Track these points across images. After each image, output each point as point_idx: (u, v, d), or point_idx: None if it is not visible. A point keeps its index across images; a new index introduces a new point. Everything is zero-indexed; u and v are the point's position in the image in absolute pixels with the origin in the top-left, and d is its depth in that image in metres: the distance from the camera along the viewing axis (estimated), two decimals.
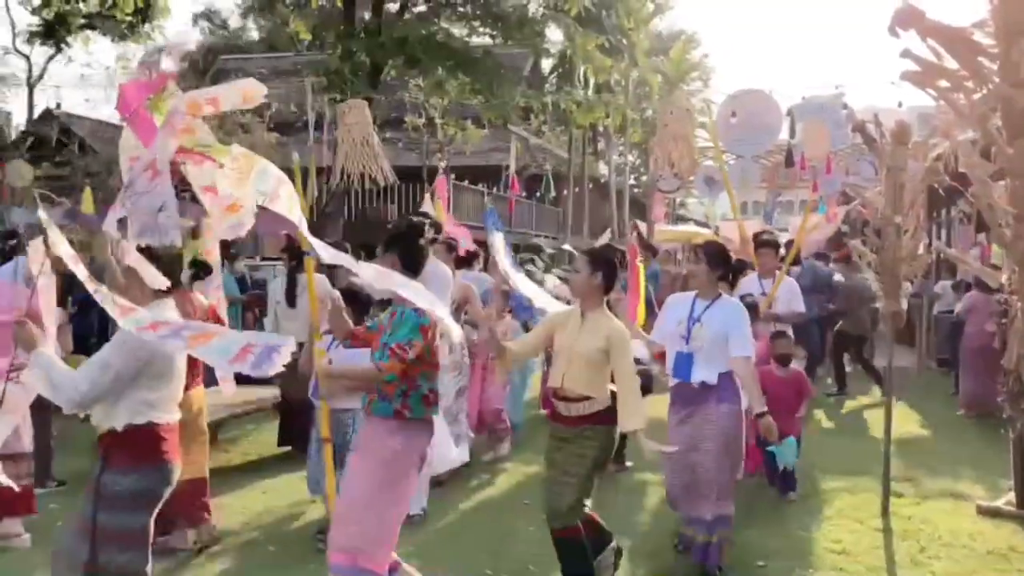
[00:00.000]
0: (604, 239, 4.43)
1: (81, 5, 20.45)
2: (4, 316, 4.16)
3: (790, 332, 6.51)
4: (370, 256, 5.99)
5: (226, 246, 13.02)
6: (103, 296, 3.12)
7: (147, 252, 3.42)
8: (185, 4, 47.14)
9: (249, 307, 10.79)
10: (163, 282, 3.32)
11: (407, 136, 21.33)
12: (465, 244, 7.98)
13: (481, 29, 18.07)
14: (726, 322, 4.57)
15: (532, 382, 8.40)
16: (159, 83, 3.81)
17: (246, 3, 33.28)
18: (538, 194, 23.28)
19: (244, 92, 3.87)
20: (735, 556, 4.88)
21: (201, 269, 4.96)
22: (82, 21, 20.42)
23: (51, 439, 6.16)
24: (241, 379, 9.19)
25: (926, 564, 4.91)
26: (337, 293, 4.72)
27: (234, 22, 38.39)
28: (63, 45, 22.16)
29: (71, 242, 3.45)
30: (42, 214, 3.22)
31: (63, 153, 21.53)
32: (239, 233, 4.13)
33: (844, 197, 13.38)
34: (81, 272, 3.20)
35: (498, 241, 4.83)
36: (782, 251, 7.95)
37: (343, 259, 3.64)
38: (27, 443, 5.11)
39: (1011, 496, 5.91)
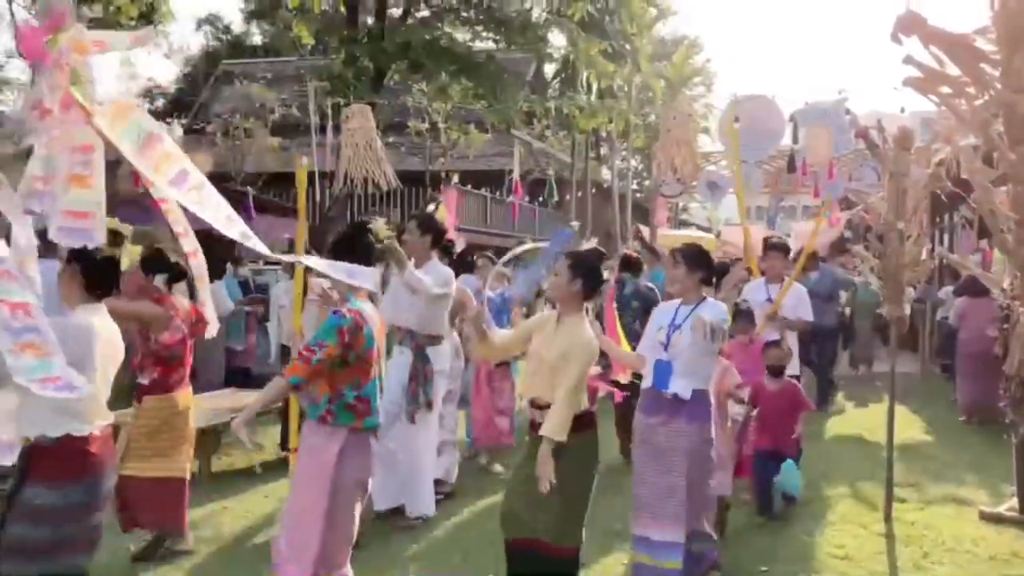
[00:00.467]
0: (591, 243, 4.39)
1: (84, 9, 20.49)
2: None
3: (790, 341, 6.21)
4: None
5: (230, 250, 13.09)
6: None
7: (81, 256, 3.35)
8: (188, 8, 47.22)
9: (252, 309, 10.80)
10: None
11: (410, 141, 21.38)
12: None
13: (484, 34, 18.12)
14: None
15: None
16: (57, 22, 3.46)
17: (249, 8, 33.36)
18: (541, 199, 23.29)
19: (133, 36, 3.63)
20: (738, 561, 4.89)
21: (175, 271, 4.98)
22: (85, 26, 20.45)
23: None
24: (243, 383, 9.22)
25: (929, 569, 4.91)
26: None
27: (237, 27, 38.48)
28: None
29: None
30: None
31: None
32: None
33: (847, 202, 13.39)
34: None
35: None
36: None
37: (260, 247, 3.46)
38: None
39: (1014, 502, 5.90)
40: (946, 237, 15.91)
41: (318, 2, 14.99)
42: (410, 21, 16.06)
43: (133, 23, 19.91)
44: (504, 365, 6.99)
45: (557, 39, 20.23)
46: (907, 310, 6.11)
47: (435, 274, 5.52)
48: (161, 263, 4.98)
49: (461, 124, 20.56)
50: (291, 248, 6.18)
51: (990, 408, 8.32)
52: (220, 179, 14.04)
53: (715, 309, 4.31)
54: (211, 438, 6.86)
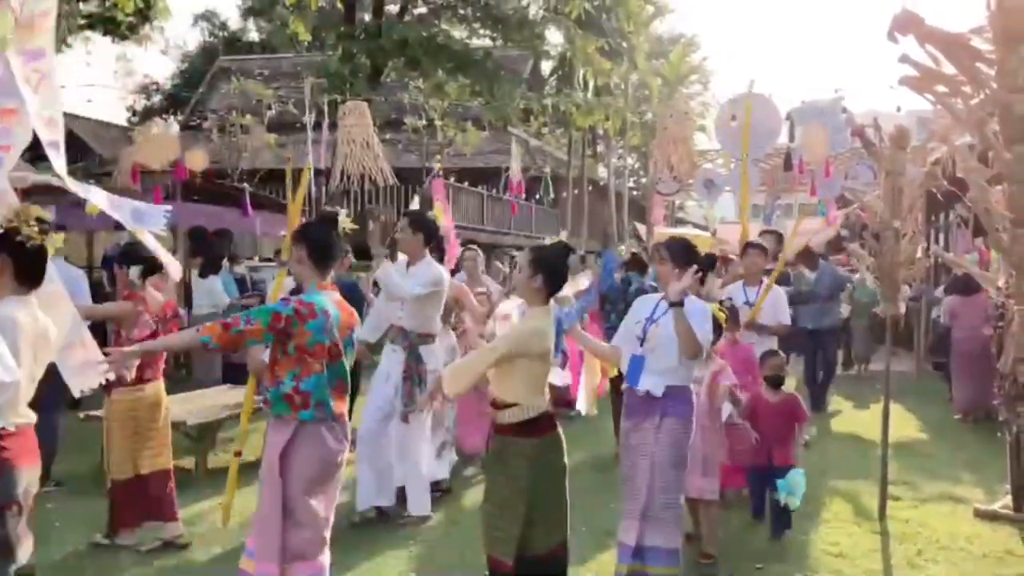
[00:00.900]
0: (561, 236, 4.31)
1: (81, 5, 20.42)
2: None
3: (776, 348, 6.04)
4: (366, 257, 6.02)
5: (226, 247, 13.07)
6: None
7: (9, 245, 3.30)
8: (185, 5, 47.09)
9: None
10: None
11: (407, 138, 21.36)
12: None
13: (481, 31, 18.13)
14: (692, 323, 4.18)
15: None
16: None
17: (246, 4, 33.31)
18: (537, 196, 23.30)
19: None
20: (733, 559, 4.90)
21: (150, 264, 4.99)
22: (82, 21, 20.37)
23: (55, 441, 6.13)
24: (239, 380, 9.21)
25: (923, 567, 4.92)
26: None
27: (234, 23, 38.44)
28: (63, 45, 22.15)
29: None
30: None
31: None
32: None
33: (843, 201, 13.41)
34: None
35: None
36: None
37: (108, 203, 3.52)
38: None
39: (1008, 499, 5.92)
40: (942, 236, 15.94)
41: None
42: (407, 18, 16.06)
43: (130, 19, 19.88)
44: None
45: (554, 36, 20.27)
46: (902, 309, 6.09)
47: (426, 272, 5.48)
48: (135, 256, 4.98)
49: (458, 121, 20.54)
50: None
51: (985, 407, 8.36)
52: (217, 176, 14.07)
53: (698, 307, 4.20)
54: (207, 435, 6.86)
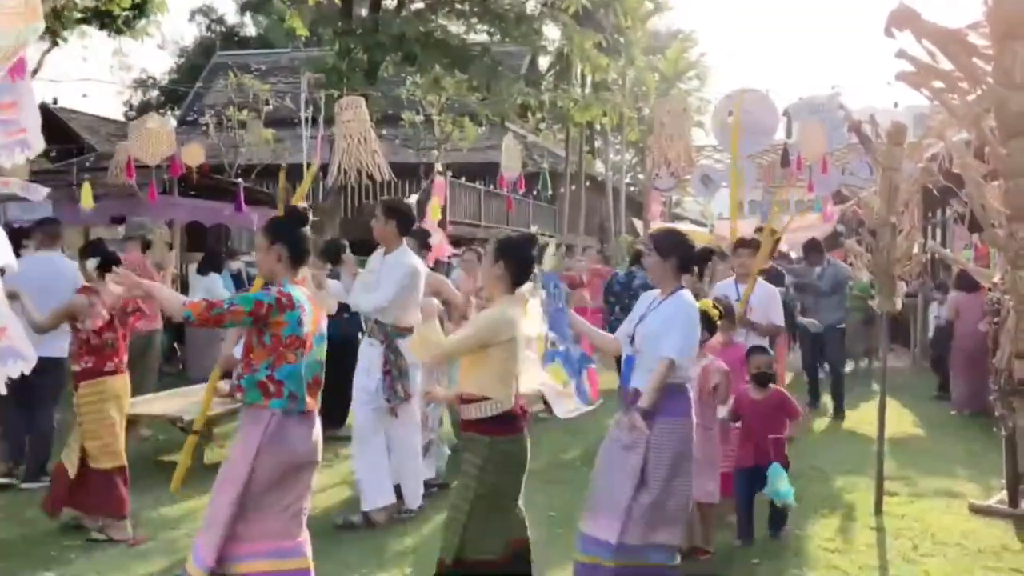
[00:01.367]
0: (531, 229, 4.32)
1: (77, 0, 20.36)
2: None
3: (766, 345, 5.84)
4: (365, 251, 6.00)
5: (211, 240, 13.03)
6: None
7: None
8: (182, 0, 47.01)
9: None
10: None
11: (404, 133, 21.33)
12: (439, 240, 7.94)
13: (479, 26, 18.05)
14: (667, 319, 4.04)
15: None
16: None
17: None
18: (535, 192, 23.29)
19: None
20: (729, 554, 4.91)
21: (110, 259, 5.15)
22: (78, 15, 20.32)
23: (51, 435, 6.15)
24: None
25: (919, 562, 4.94)
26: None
27: (231, 18, 38.39)
28: (59, 40, 22.10)
29: None
30: None
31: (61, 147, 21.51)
32: None
33: (840, 197, 13.42)
34: None
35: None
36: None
37: None
38: None
39: (1003, 495, 5.94)
40: (939, 232, 15.95)
41: None
42: (404, 13, 15.98)
43: (126, 13, 19.82)
44: None
45: (552, 32, 20.21)
46: (899, 305, 6.09)
47: (399, 263, 5.33)
48: (95, 250, 5.25)
49: (455, 117, 20.50)
50: None
51: (984, 402, 8.37)
52: (213, 171, 14.04)
53: (682, 303, 4.08)
54: (204, 429, 6.86)
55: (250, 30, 37.62)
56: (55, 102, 26.46)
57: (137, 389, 7.81)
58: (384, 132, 18.21)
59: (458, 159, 21.25)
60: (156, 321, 8.14)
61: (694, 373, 4.62)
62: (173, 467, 5.45)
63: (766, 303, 6.23)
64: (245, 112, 19.27)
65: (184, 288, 12.08)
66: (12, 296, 5.31)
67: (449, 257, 10.41)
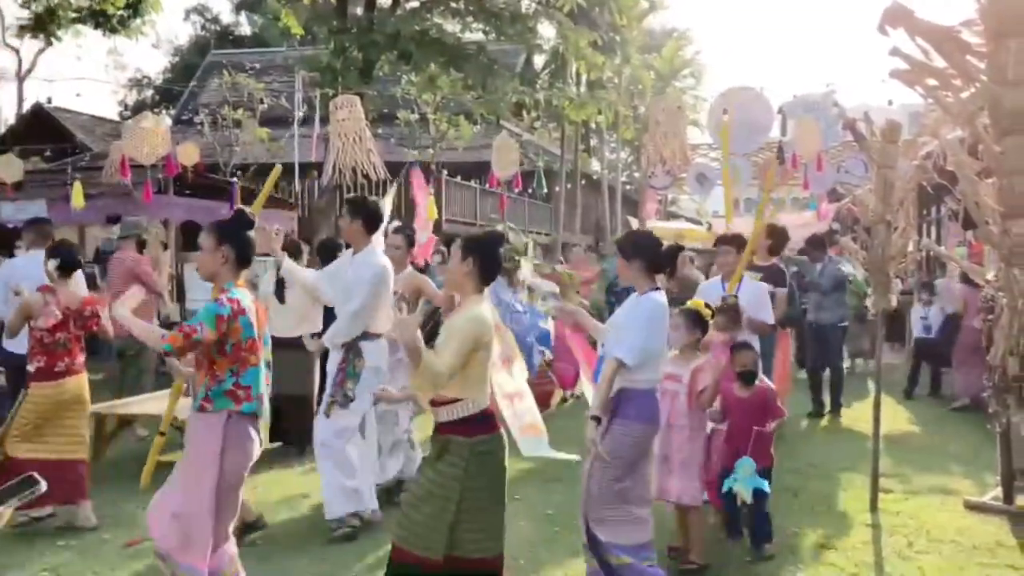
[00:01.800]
0: (498, 227, 4.23)
1: None
2: None
3: (755, 343, 5.71)
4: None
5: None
6: None
7: None
8: None
9: None
10: None
11: (400, 132, 21.32)
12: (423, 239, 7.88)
13: (474, 25, 18.04)
14: (626, 319, 4.06)
15: None
16: None
17: None
18: (530, 190, 23.28)
19: None
20: (724, 552, 4.92)
21: (71, 261, 5.25)
22: (72, 15, 20.31)
23: None
24: None
25: (914, 559, 4.95)
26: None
27: (226, 17, 38.34)
28: (53, 39, 22.10)
29: None
30: None
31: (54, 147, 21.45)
32: None
33: (835, 195, 13.45)
34: None
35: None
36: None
37: None
38: None
39: (998, 491, 5.96)
40: (934, 229, 15.99)
41: None
42: (399, 12, 15.97)
43: (121, 12, 19.79)
44: None
45: (547, 30, 20.20)
46: (894, 302, 6.10)
47: (367, 263, 5.18)
48: (56, 251, 5.35)
49: (451, 115, 20.49)
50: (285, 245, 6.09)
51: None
52: (208, 170, 14.02)
53: (640, 303, 4.07)
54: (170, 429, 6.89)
55: (245, 29, 37.60)
56: (49, 101, 26.42)
57: (133, 389, 7.85)
58: (379, 131, 18.18)
59: (453, 158, 21.25)
60: (152, 321, 8.13)
61: (684, 372, 4.62)
62: (169, 467, 5.42)
63: (755, 302, 6.10)
64: (240, 111, 19.25)
65: (180, 287, 12.07)
66: (16, 293, 5.41)
67: (432, 254, 10.25)
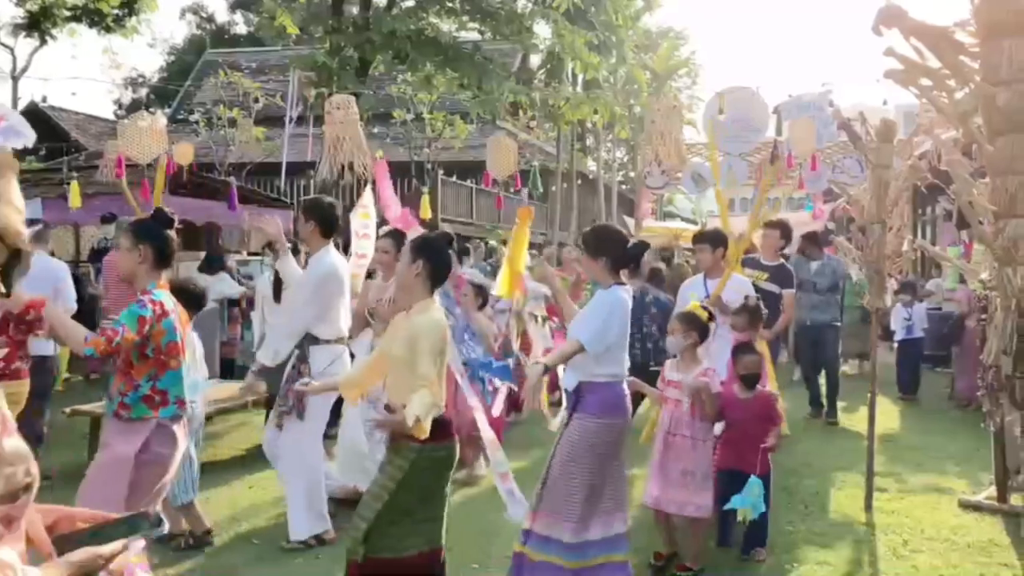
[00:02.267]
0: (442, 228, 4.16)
1: None
2: None
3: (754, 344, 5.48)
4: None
5: (214, 239, 12.99)
6: None
7: None
8: None
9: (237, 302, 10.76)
10: None
11: (395, 131, 21.31)
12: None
13: (470, 24, 18.06)
14: (588, 308, 4.07)
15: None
16: None
17: None
18: (527, 190, 23.26)
19: None
20: (718, 552, 4.92)
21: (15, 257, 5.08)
22: (67, 13, 20.27)
23: (43, 430, 6.13)
24: (227, 374, 9.20)
25: (908, 558, 4.96)
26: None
27: (221, 16, 38.30)
28: (48, 38, 22.07)
29: None
30: None
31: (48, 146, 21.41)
32: None
33: (830, 194, 13.45)
34: None
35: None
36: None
37: None
38: None
39: (992, 490, 5.97)
40: (928, 229, 16.03)
41: None
42: (395, 11, 15.97)
43: (116, 11, 19.75)
44: None
45: (543, 30, 20.21)
46: (888, 302, 6.12)
47: (317, 263, 4.99)
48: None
49: (447, 115, 20.48)
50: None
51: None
52: (204, 169, 14.02)
53: (599, 295, 4.04)
54: None
55: (240, 28, 37.55)
56: (44, 100, 26.37)
57: None
58: (375, 130, 18.20)
59: (449, 157, 21.25)
60: None
61: (686, 377, 4.59)
62: None
63: (740, 300, 5.96)
64: (235, 110, 19.22)
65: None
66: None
67: None
